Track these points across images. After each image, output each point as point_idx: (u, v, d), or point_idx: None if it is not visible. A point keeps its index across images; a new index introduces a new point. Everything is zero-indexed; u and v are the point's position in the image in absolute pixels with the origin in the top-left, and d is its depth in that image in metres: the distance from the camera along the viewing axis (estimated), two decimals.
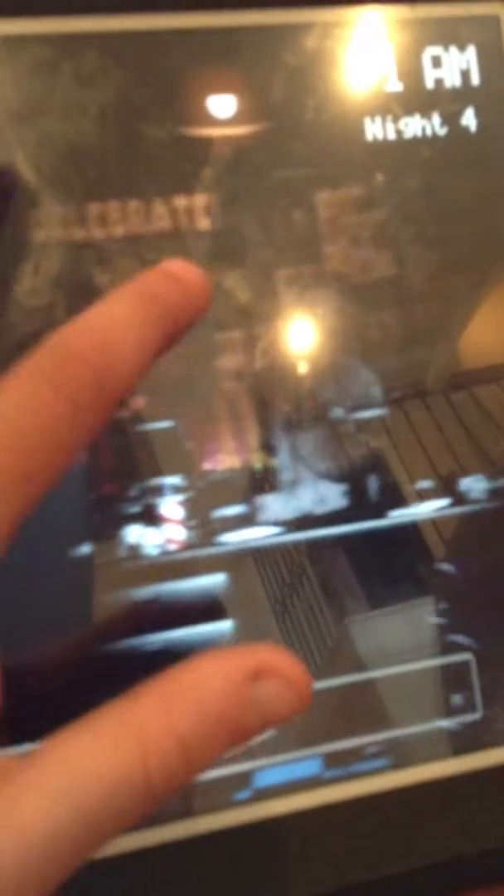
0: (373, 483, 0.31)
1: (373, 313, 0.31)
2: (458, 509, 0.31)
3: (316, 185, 0.30)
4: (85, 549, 0.27)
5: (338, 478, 0.30)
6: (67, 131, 0.28)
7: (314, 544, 0.30)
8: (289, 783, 0.29)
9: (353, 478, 0.30)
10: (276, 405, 0.30)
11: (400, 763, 0.30)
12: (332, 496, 0.30)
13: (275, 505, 0.29)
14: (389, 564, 0.31)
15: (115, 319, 0.19)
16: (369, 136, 0.31)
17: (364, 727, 0.30)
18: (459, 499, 0.31)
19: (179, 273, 0.20)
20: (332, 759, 0.30)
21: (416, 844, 0.30)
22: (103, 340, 0.19)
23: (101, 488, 0.27)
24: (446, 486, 0.31)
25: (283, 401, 0.30)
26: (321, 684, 0.29)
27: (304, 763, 0.29)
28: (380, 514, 0.30)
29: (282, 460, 0.30)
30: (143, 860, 0.27)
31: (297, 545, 0.30)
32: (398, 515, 0.31)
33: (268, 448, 0.29)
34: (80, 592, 0.27)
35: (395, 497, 0.31)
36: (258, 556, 0.29)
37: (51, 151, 0.28)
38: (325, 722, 0.30)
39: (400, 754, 0.30)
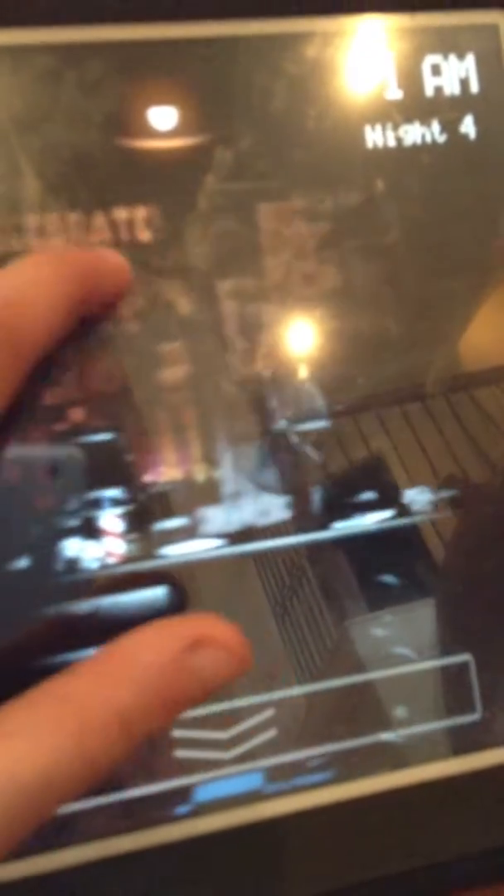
0: (317, 494, 0.31)
1: (364, 319, 0.31)
2: (402, 520, 0.31)
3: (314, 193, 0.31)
4: (22, 562, 0.27)
5: (281, 490, 0.30)
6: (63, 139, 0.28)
7: (315, 546, 0.31)
8: (291, 786, 0.29)
9: (296, 489, 0.30)
10: (218, 416, 0.30)
11: (399, 763, 0.30)
12: (275, 508, 0.30)
13: (215, 517, 0.29)
14: (389, 567, 0.31)
15: (24, 277, 0.19)
16: (369, 144, 0.31)
17: (363, 728, 0.30)
18: (403, 510, 0.31)
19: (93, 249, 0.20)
20: (332, 760, 0.30)
21: (417, 844, 0.31)
22: (11, 297, 0.19)
23: (38, 500, 0.27)
24: (390, 498, 0.31)
25: (226, 412, 0.30)
26: (322, 685, 0.30)
27: (306, 762, 0.30)
28: (324, 525, 0.30)
29: (224, 472, 0.30)
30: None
31: (297, 548, 0.30)
32: (342, 527, 0.30)
33: (210, 460, 0.30)
34: (15, 607, 0.27)
35: (338, 508, 0.31)
36: (258, 559, 0.30)
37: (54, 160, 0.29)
38: (325, 723, 0.30)
39: (399, 755, 0.30)
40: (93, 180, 0.29)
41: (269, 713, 0.29)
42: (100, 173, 0.29)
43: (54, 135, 0.28)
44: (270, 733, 0.30)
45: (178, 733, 0.28)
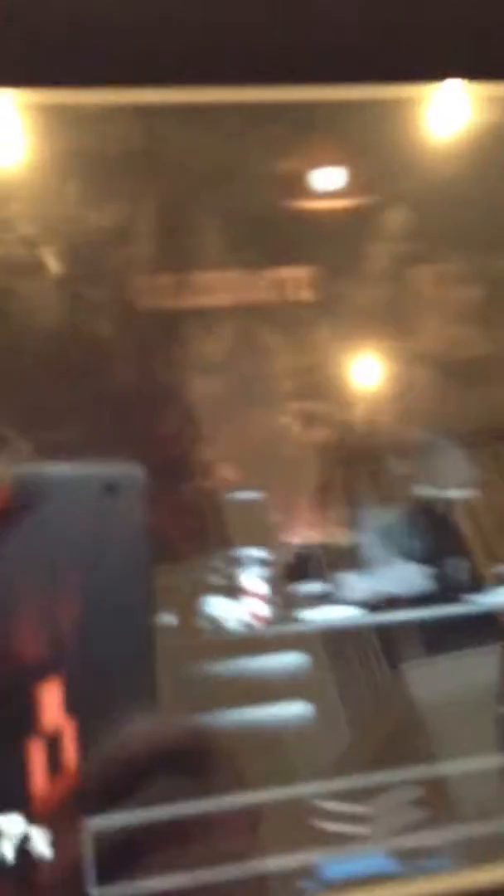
0: (456, 566, 0.29)
1: (474, 388, 0.30)
2: None
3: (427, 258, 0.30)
4: (166, 618, 0.26)
5: (421, 559, 0.29)
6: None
7: (458, 619, 0.29)
8: (357, 878, 0.28)
9: (436, 559, 0.29)
10: (363, 480, 0.29)
11: (473, 861, 0.28)
12: (415, 577, 0.29)
13: (356, 584, 0.28)
14: (466, 644, 0.29)
15: None
16: None
17: (436, 822, 0.28)
18: None
19: None
20: (401, 855, 0.28)
21: None
22: None
23: (184, 556, 0.27)
24: None
25: (371, 476, 0.29)
26: (389, 776, 0.28)
27: (373, 858, 0.28)
28: (461, 598, 0.29)
29: (365, 538, 0.29)
30: None
31: (440, 620, 0.29)
32: (481, 601, 0.29)
33: (352, 524, 0.29)
34: (152, 662, 0.26)
35: (478, 581, 0.29)
36: (334, 633, 0.29)
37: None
38: (393, 816, 0.28)
39: (472, 852, 0.28)
40: (263, 239, 0.29)
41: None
42: (270, 233, 0.29)
43: (235, 194, 0.29)
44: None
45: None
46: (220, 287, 0.29)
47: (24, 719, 0.26)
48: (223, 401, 0.28)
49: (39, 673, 0.26)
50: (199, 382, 0.28)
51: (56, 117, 0.28)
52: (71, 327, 0.27)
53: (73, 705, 0.26)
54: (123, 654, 0.27)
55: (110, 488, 0.25)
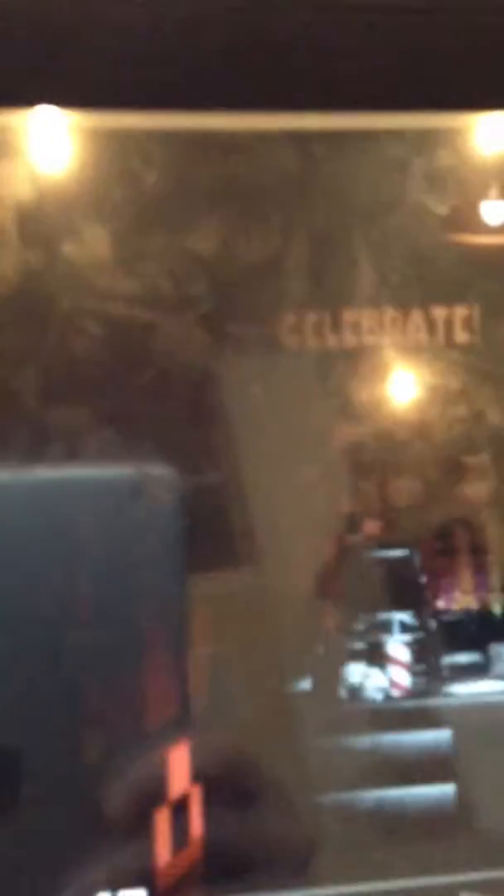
0: None
1: None
2: None
3: None
4: (305, 684, 0.24)
5: None
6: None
7: None
8: None
9: None
10: None
11: None
12: None
13: None
14: None
15: None
16: None
17: None
18: None
19: None
20: None
21: None
22: None
23: (326, 618, 0.25)
24: None
25: None
26: None
27: None
28: None
29: None
30: None
31: None
32: None
33: None
34: (294, 732, 0.25)
35: None
36: (485, 709, 0.26)
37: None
38: None
39: None
40: (418, 276, 0.27)
41: None
42: (427, 269, 0.27)
43: (394, 226, 0.27)
44: None
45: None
46: (373, 326, 0.26)
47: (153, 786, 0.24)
48: (371, 448, 0.25)
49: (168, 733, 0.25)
50: (346, 428, 0.26)
51: (200, 144, 0.26)
52: (215, 364, 0.25)
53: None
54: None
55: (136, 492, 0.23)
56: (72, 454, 0.23)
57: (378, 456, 0.26)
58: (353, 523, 0.25)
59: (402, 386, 0.26)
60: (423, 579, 0.26)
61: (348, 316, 0.26)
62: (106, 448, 0.23)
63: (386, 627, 0.26)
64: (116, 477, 0.25)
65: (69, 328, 0.23)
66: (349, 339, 0.26)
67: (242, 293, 0.25)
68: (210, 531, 0.24)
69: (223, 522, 0.24)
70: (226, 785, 0.25)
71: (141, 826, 0.24)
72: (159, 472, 0.25)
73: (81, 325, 0.24)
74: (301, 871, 0.25)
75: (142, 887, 0.24)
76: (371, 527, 0.26)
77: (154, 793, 0.25)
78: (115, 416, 0.23)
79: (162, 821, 0.25)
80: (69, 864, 0.24)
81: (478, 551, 0.26)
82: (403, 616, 0.25)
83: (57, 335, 0.23)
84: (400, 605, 0.24)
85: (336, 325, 0.26)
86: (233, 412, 0.25)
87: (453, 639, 0.26)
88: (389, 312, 0.27)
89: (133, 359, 0.24)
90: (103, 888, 0.24)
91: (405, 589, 0.26)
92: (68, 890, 0.24)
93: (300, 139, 0.26)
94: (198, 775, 0.25)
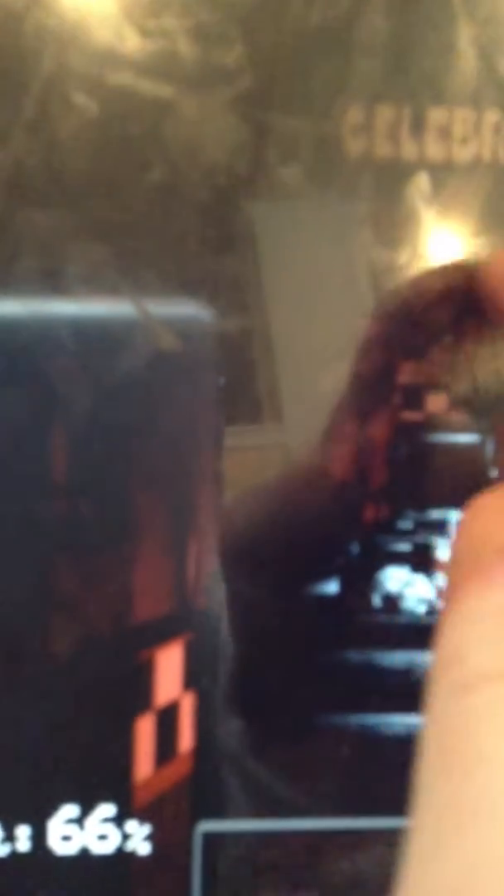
0: None
1: None
2: None
3: None
4: (332, 587, 0.20)
5: None
6: None
7: None
8: None
9: None
10: None
11: None
12: None
13: None
14: None
15: None
16: None
17: None
18: None
19: None
20: None
21: None
22: None
23: (365, 512, 0.20)
24: None
25: None
26: None
27: None
28: None
29: None
30: None
31: None
32: None
33: None
34: (313, 643, 0.21)
35: None
36: None
37: None
38: None
39: None
40: None
41: None
42: None
43: None
44: None
45: None
46: (467, 133, 0.20)
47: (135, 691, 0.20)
48: (444, 302, 0.19)
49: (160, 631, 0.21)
50: (417, 274, 0.20)
51: None
52: (250, 166, 0.19)
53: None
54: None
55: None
56: (48, 278, 0.18)
57: (454, 311, 0.20)
58: (412, 397, 0.20)
59: (497, 215, 0.20)
60: (493, 474, 0.21)
61: (436, 116, 0.19)
62: (92, 272, 0.18)
63: (438, 528, 0.21)
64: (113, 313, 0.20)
65: (52, 101, 0.17)
66: (433, 149, 0.20)
67: (293, 70, 0.19)
68: (232, 380, 0.19)
69: (245, 372, 0.19)
70: (225, 695, 0.21)
71: (117, 733, 0.21)
72: (178, 309, 0.20)
73: (69, 97, 0.18)
74: (309, 799, 0.21)
75: (111, 802, 0.21)
76: (435, 403, 0.20)
77: (136, 697, 0.21)
78: (108, 228, 0.18)
79: (143, 730, 0.21)
80: (28, 770, 0.21)
81: None
82: (460, 514, 0.20)
83: (35, 111, 0.17)
84: (459, 503, 0.19)
85: (417, 128, 0.19)
86: (270, 237, 0.19)
87: None
88: (492, 117, 0.20)
89: (138, 151, 0.18)
90: (67, 800, 0.21)
91: (468, 483, 0.20)
92: (29, 800, 0.21)
93: None
94: (192, 681, 0.22)
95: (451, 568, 0.16)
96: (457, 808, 0.12)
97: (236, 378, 0.20)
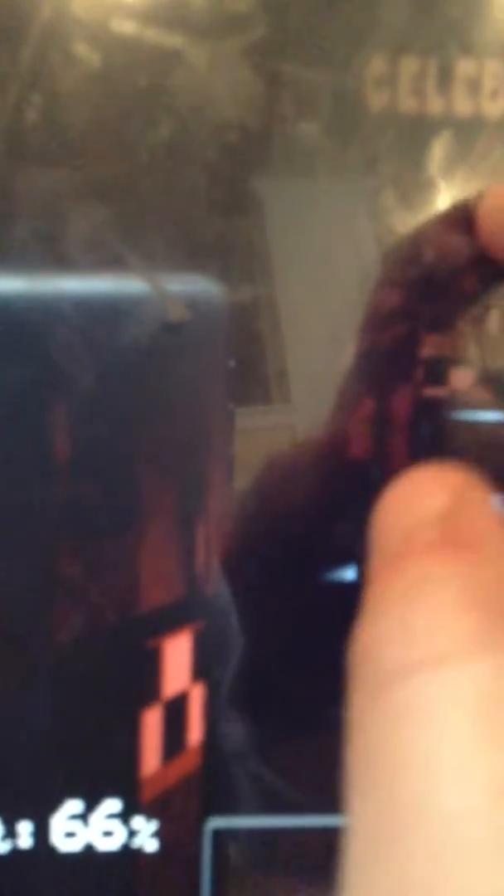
0: None
1: None
2: None
3: None
4: (349, 574, 0.19)
5: None
6: None
7: None
8: None
9: None
10: None
11: None
12: None
13: None
14: None
15: None
16: None
17: None
18: None
19: None
20: None
21: None
22: None
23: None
24: None
25: None
26: None
27: None
28: None
29: None
30: None
31: None
32: None
33: None
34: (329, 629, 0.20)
35: None
36: None
37: None
38: None
39: None
40: None
41: None
42: None
43: None
44: None
45: None
46: (497, 87, 0.18)
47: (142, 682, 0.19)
48: (466, 269, 0.18)
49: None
50: (438, 237, 0.18)
51: None
52: (264, 120, 0.17)
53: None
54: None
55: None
56: (47, 241, 0.17)
57: (481, 279, 0.19)
58: (435, 372, 0.19)
59: None
60: None
61: (464, 68, 0.18)
62: (94, 236, 0.17)
63: None
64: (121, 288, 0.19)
65: (51, 51, 0.16)
66: (460, 104, 0.18)
67: (310, 17, 0.17)
68: (240, 358, 0.18)
69: (254, 348, 0.18)
70: (237, 686, 0.21)
71: (123, 726, 0.20)
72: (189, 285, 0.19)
73: (69, 47, 0.17)
74: (318, 796, 0.21)
75: (117, 797, 0.20)
76: (460, 379, 0.19)
77: (143, 688, 0.20)
78: (110, 188, 0.17)
79: (151, 722, 0.20)
80: (30, 764, 0.20)
81: None
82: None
83: (33, 61, 0.16)
84: (487, 484, 0.18)
85: (444, 81, 0.18)
86: (283, 199, 0.18)
87: None
88: None
89: (144, 105, 0.17)
90: (71, 795, 0.20)
91: (495, 463, 0.19)
92: (30, 795, 0.20)
93: None
94: (201, 672, 0.21)
95: (369, 562, 0.15)
96: (387, 822, 0.11)
97: (245, 355, 0.19)
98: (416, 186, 0.19)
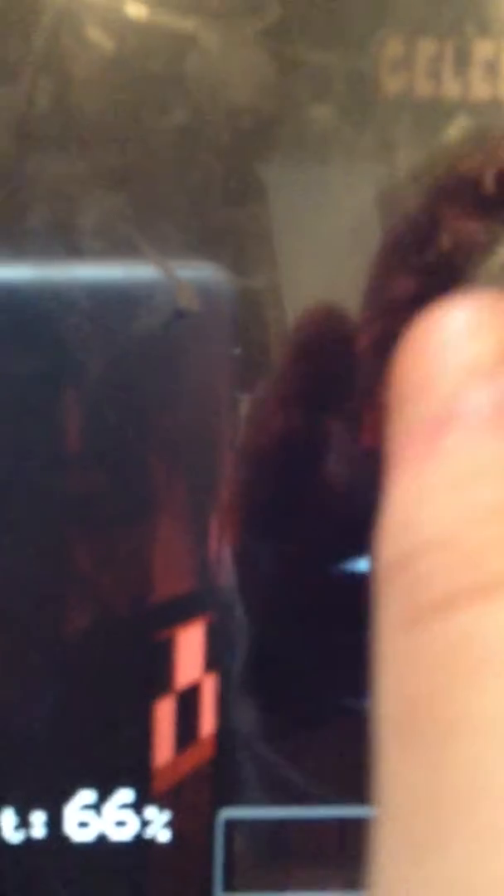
0: None
1: None
2: None
3: None
4: (362, 565, 0.19)
5: None
6: None
7: None
8: None
9: None
10: None
11: None
12: None
13: None
14: None
15: None
16: None
17: None
18: None
19: None
20: None
21: None
22: None
23: None
24: None
25: None
26: None
27: None
28: None
29: None
30: None
31: None
32: None
33: None
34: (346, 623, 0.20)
35: None
36: None
37: None
38: None
39: None
40: None
41: None
42: None
43: None
44: None
45: None
46: None
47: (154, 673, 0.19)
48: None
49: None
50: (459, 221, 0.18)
51: None
52: (278, 104, 0.17)
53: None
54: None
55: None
56: (59, 228, 0.17)
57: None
58: None
59: None
60: None
61: (482, 50, 0.18)
62: (106, 223, 0.16)
63: None
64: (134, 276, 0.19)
65: (64, 36, 0.16)
66: (478, 87, 0.18)
67: (326, 1, 0.17)
68: (249, 347, 0.18)
69: (265, 337, 0.18)
70: (249, 676, 0.21)
71: (136, 716, 0.20)
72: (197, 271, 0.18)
73: (83, 32, 0.16)
74: (331, 787, 0.21)
75: (130, 788, 0.20)
76: None
77: (155, 679, 0.20)
78: (123, 175, 0.17)
79: (163, 713, 0.20)
80: (43, 754, 0.20)
81: None
82: None
83: (45, 46, 0.16)
84: None
85: (461, 63, 0.18)
86: (297, 185, 0.18)
87: None
88: None
89: (157, 91, 0.17)
90: (84, 785, 0.20)
91: None
92: (43, 785, 0.20)
93: None
94: (214, 662, 0.21)
95: (392, 412, 0.11)
96: (433, 804, 0.08)
97: (254, 344, 0.19)
98: (433, 171, 0.18)
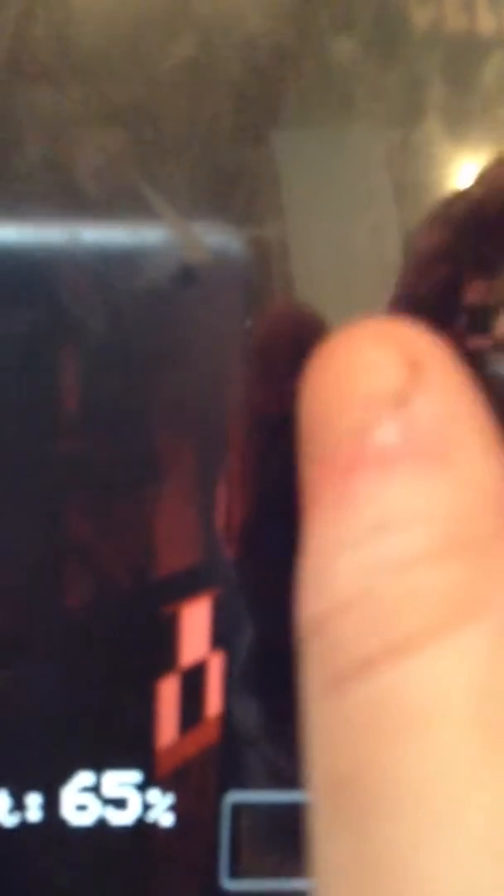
0: None
1: None
2: None
3: None
4: None
5: None
6: None
7: None
8: None
9: None
10: None
11: None
12: None
13: None
14: None
15: None
16: None
17: None
18: None
19: None
20: None
21: None
22: None
23: None
24: None
25: None
26: None
27: None
28: None
29: None
30: None
31: None
32: None
33: None
34: None
35: None
36: None
37: None
38: None
39: None
40: None
41: None
42: None
43: None
44: None
45: None
46: None
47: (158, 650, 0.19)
48: None
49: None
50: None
51: None
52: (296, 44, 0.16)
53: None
54: None
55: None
56: (55, 169, 0.15)
57: None
58: (480, 320, 0.18)
59: None
60: None
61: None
62: (107, 164, 0.15)
63: None
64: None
65: None
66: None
67: None
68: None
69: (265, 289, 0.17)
70: (258, 656, 0.20)
71: (138, 695, 0.19)
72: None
73: None
74: None
75: (136, 769, 0.19)
76: None
77: (158, 656, 0.19)
78: (125, 111, 0.15)
79: (167, 692, 0.19)
80: (40, 734, 0.19)
81: None
82: None
83: None
84: None
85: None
86: (315, 126, 0.17)
87: None
88: None
89: (163, 19, 0.15)
90: (83, 766, 0.19)
91: None
92: (39, 766, 0.19)
93: None
94: (220, 640, 0.20)
95: (303, 438, 0.11)
96: (359, 886, 0.08)
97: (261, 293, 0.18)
98: (465, 115, 0.17)
